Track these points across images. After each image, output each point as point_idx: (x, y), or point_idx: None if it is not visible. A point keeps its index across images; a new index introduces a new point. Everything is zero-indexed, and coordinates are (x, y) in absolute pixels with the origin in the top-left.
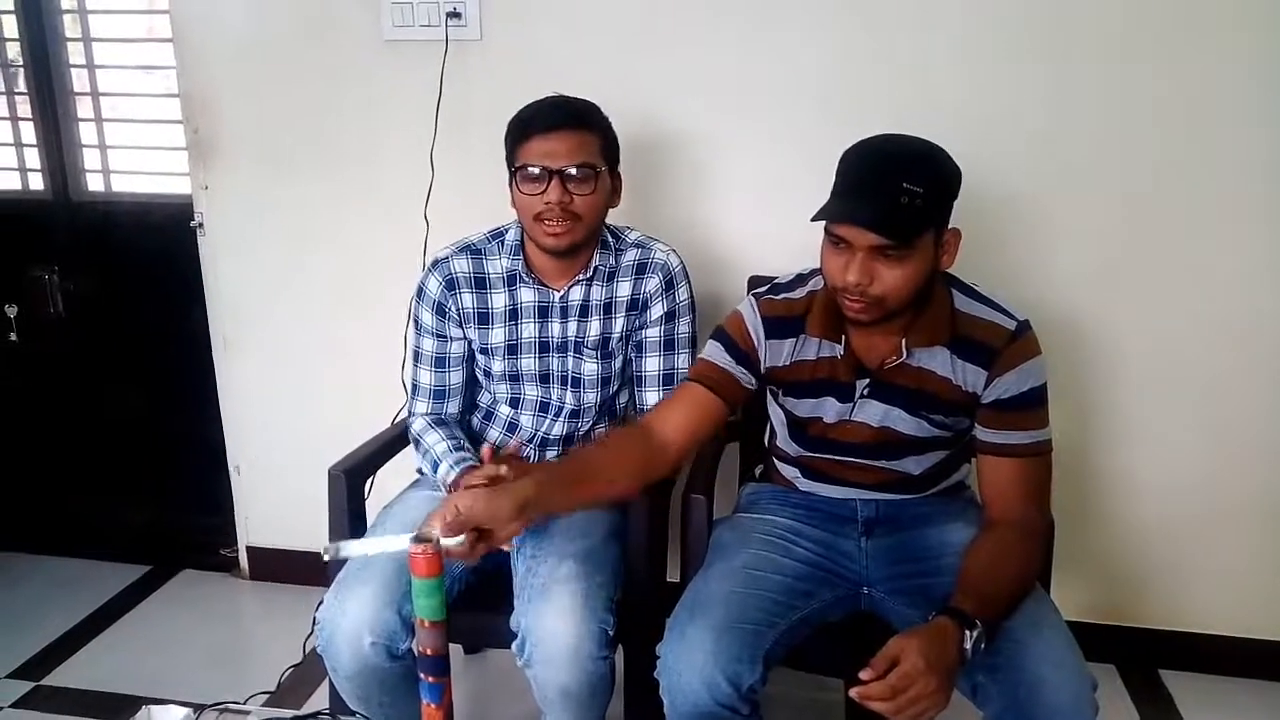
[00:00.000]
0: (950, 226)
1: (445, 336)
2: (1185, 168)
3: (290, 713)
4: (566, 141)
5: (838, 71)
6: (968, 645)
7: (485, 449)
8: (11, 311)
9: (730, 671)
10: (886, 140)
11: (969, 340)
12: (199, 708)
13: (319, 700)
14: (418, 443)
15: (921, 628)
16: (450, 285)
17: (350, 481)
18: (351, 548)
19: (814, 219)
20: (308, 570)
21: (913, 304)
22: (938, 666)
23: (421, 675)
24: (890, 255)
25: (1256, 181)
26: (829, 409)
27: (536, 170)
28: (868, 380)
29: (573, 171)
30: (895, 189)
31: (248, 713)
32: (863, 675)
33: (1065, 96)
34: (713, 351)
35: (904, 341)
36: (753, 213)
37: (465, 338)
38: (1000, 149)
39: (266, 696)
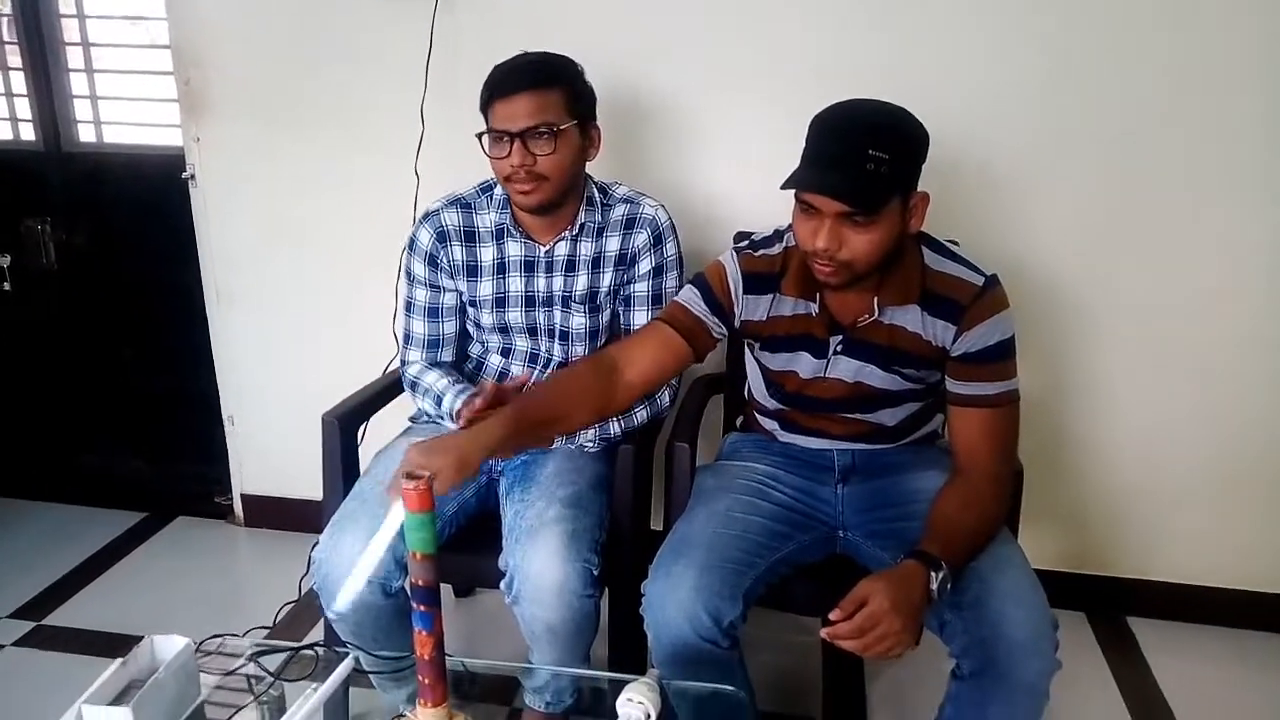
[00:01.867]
0: (919, 190)
1: (439, 287)
2: (1173, 135)
3: (287, 644)
4: (526, 104)
5: (827, 33)
6: (934, 586)
7: (489, 384)
8: (4, 261)
9: (712, 607)
10: (854, 106)
11: (939, 297)
12: (200, 641)
13: (315, 637)
14: (415, 385)
15: (889, 571)
16: (441, 237)
17: (344, 427)
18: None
19: (783, 187)
20: (300, 517)
21: (882, 266)
22: (903, 607)
23: (414, 605)
24: (858, 221)
25: (1246, 149)
26: (804, 364)
27: (498, 134)
28: (841, 337)
29: (535, 132)
30: (861, 156)
31: (245, 645)
32: (831, 616)
33: (1058, 60)
34: (689, 297)
35: (876, 300)
36: (740, 170)
37: (457, 289)
38: (988, 110)
39: (265, 632)
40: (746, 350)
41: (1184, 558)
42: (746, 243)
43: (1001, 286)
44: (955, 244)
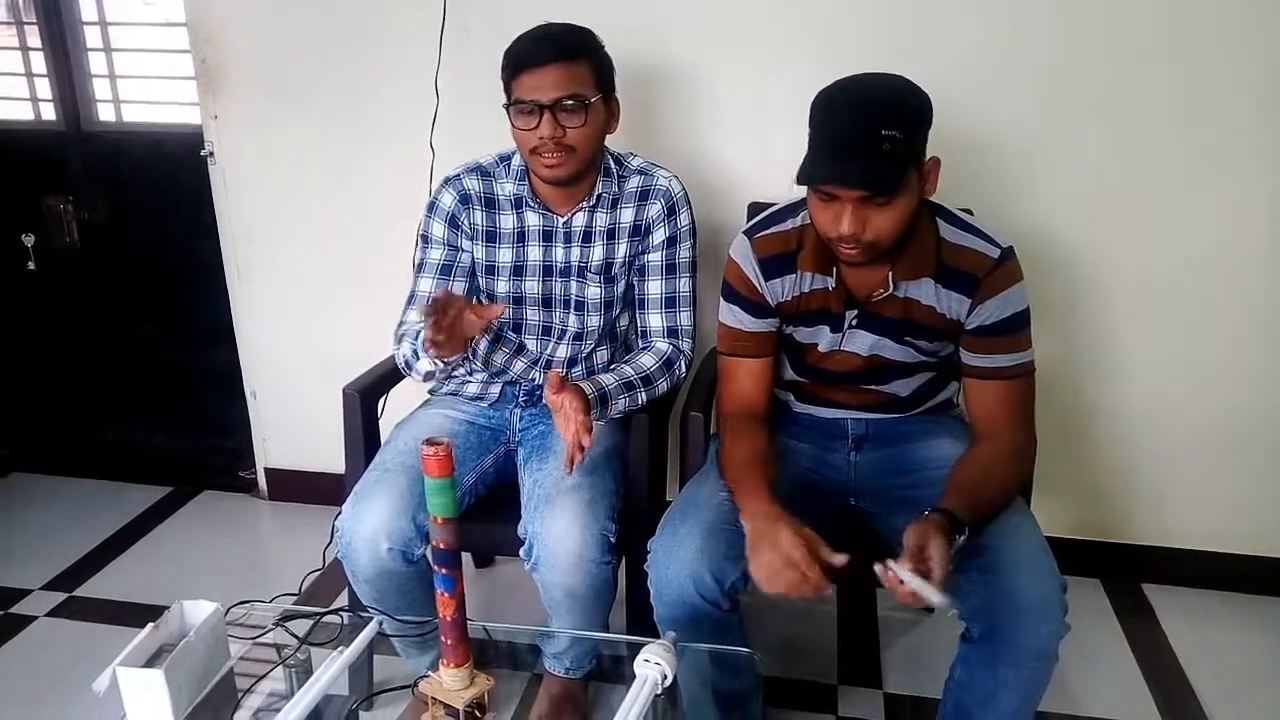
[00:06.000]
0: (929, 155)
1: (456, 247)
2: (1182, 104)
3: (312, 610)
4: (555, 75)
5: (838, 2)
6: (952, 548)
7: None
8: (28, 241)
9: (715, 568)
10: (858, 85)
11: (953, 269)
12: (228, 608)
13: (339, 605)
14: (399, 333)
15: (930, 521)
16: (464, 200)
17: (364, 400)
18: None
19: (800, 183)
20: (324, 490)
21: (903, 239)
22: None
23: (435, 567)
24: (879, 202)
25: (1245, 117)
26: (823, 337)
27: (528, 106)
28: (856, 311)
29: (566, 104)
30: (875, 139)
31: (272, 612)
32: (904, 575)
33: (1067, 29)
34: (735, 317)
35: (891, 275)
36: (752, 141)
37: (474, 254)
38: (999, 80)
39: (291, 599)
40: None
41: (1198, 524)
42: (758, 220)
43: (1016, 258)
44: (969, 213)
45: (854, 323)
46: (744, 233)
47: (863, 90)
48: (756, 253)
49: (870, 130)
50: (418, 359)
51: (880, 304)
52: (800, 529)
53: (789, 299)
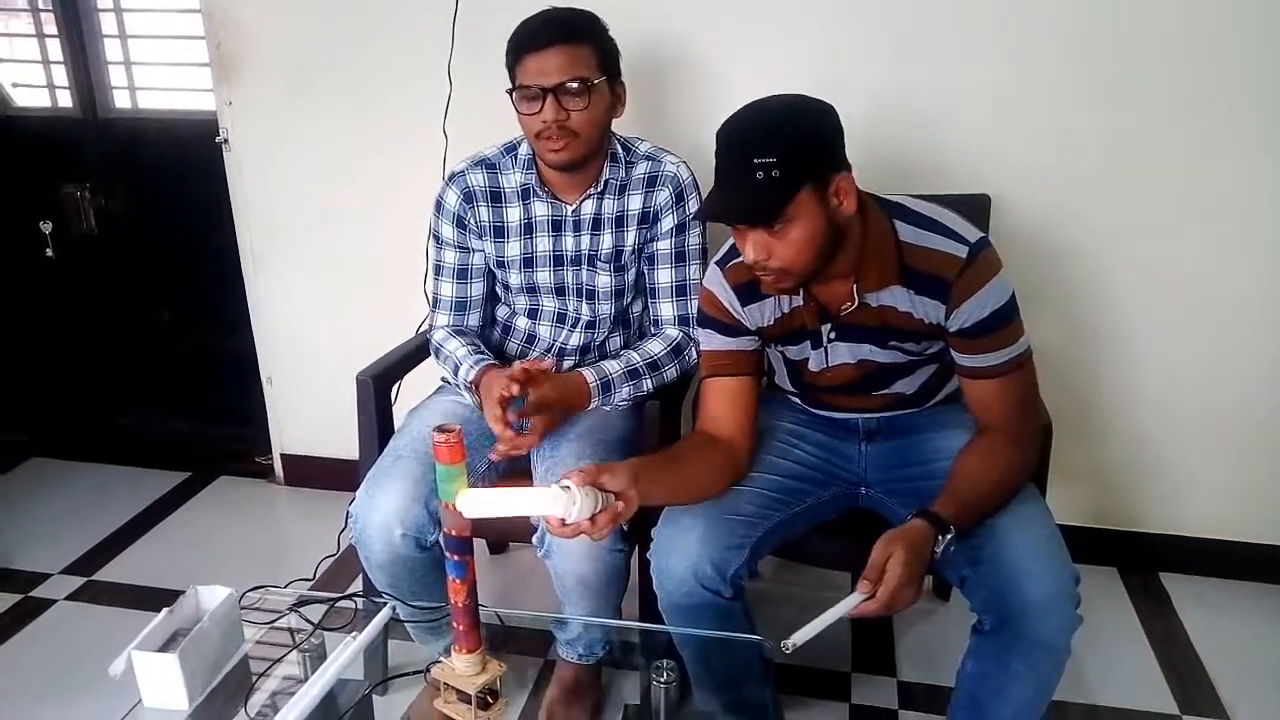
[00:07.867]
0: (841, 173)
1: (467, 249)
2: (1194, 90)
3: (326, 595)
4: (558, 58)
5: None
6: (938, 550)
7: (518, 369)
8: (46, 228)
9: (717, 558)
10: (741, 114)
11: (920, 274)
12: (243, 593)
13: (354, 590)
14: (438, 351)
15: (901, 533)
16: (468, 198)
17: (377, 387)
18: (800, 635)
19: (694, 217)
20: (340, 476)
21: (824, 261)
22: (917, 573)
23: (447, 554)
24: (772, 229)
25: (1262, 106)
26: (809, 354)
27: (531, 90)
28: (831, 325)
29: (569, 86)
30: (747, 168)
31: (286, 597)
32: (860, 590)
33: (1073, 20)
34: (712, 340)
35: (855, 288)
36: None
37: (485, 250)
38: (1008, 72)
39: (306, 585)
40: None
41: (1216, 512)
42: (724, 253)
43: (990, 249)
44: (938, 203)
45: (831, 336)
46: (715, 263)
47: (743, 119)
48: (730, 281)
49: (743, 161)
50: (455, 375)
51: (852, 316)
52: (613, 471)
53: (770, 323)
